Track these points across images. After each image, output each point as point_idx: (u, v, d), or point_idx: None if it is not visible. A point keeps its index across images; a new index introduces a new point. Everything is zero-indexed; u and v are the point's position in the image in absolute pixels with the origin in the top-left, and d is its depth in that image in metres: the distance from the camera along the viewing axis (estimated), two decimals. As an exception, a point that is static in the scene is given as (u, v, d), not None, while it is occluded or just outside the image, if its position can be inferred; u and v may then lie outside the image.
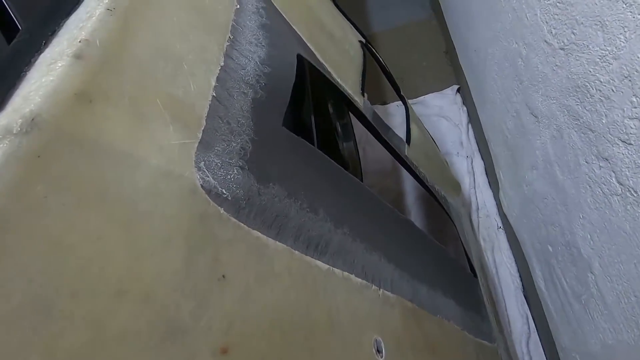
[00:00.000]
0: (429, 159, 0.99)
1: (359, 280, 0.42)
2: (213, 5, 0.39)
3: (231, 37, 0.40)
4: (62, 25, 0.26)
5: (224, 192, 0.30)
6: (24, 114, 0.20)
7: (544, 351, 0.93)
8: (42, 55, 0.24)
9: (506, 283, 1.07)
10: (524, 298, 1.02)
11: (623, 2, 0.39)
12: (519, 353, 0.98)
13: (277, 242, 0.33)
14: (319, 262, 0.37)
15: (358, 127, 1.59)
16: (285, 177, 0.37)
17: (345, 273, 0.40)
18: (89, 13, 0.26)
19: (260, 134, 0.36)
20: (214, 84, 0.34)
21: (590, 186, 0.53)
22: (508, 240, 1.10)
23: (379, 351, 0.39)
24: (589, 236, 0.56)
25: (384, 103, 1.50)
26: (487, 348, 0.75)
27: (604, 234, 0.52)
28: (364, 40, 0.85)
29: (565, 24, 0.52)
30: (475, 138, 1.32)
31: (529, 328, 0.99)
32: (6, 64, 0.23)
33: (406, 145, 0.87)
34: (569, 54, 0.52)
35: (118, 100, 0.25)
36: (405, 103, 0.97)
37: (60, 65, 0.23)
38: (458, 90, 1.45)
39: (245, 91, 0.37)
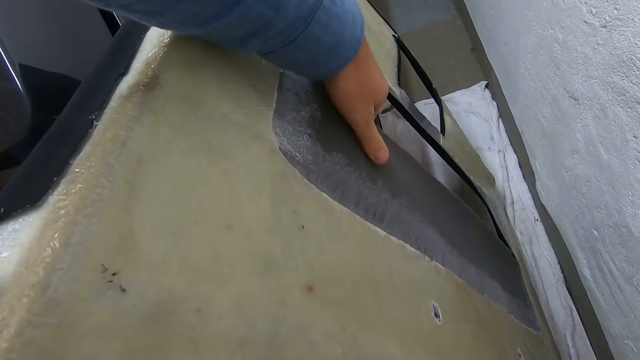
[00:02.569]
0: (463, 151, 0.99)
1: (413, 249, 0.44)
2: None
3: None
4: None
5: (297, 155, 0.33)
6: (148, 74, 0.24)
7: (591, 343, 0.90)
8: (148, 33, 0.28)
9: (546, 275, 1.05)
10: (566, 290, 1.00)
11: (669, -30, 0.39)
12: (563, 347, 0.95)
13: (341, 205, 0.36)
14: (377, 228, 0.39)
15: (385, 126, 1.60)
16: (347, 147, 0.39)
17: (401, 241, 0.42)
18: None
19: (326, 105, 0.38)
20: (280, 62, 0.37)
21: (639, 161, 0.53)
22: (546, 233, 1.08)
23: (436, 315, 0.41)
24: (639, 213, 0.56)
25: (412, 101, 1.52)
26: (533, 335, 0.74)
27: (656, 208, 0.51)
28: (396, 34, 0.88)
29: (607, 1, 0.52)
30: (507, 132, 1.31)
31: (573, 320, 0.96)
32: (123, 40, 0.27)
33: (441, 135, 0.89)
34: (612, 30, 0.53)
35: (209, 67, 0.28)
36: (437, 95, 0.98)
37: (167, 39, 0.27)
38: (486, 86, 1.44)
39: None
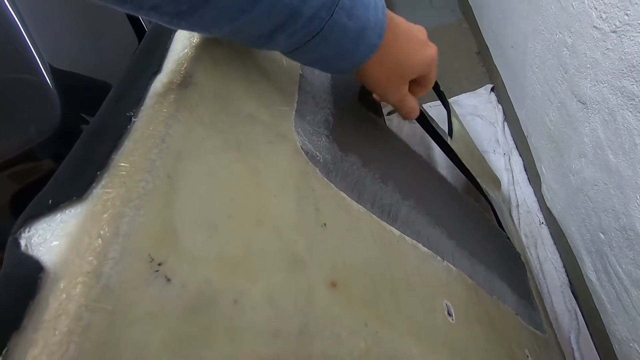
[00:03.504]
0: (470, 153, 1.00)
1: (426, 249, 0.44)
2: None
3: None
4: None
5: (317, 154, 0.33)
6: (181, 73, 0.24)
7: (595, 347, 0.90)
8: (178, 33, 0.29)
9: (552, 278, 1.05)
10: (571, 293, 1.00)
11: (682, -23, 0.40)
12: (568, 349, 0.95)
13: (359, 204, 0.36)
14: (392, 228, 0.40)
15: (391, 128, 1.61)
16: (361, 149, 0.40)
17: (414, 241, 0.43)
18: None
19: (339, 109, 0.39)
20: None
21: (648, 165, 0.53)
22: (552, 236, 1.09)
23: (449, 314, 0.41)
24: (648, 216, 0.56)
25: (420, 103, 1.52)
26: (539, 337, 0.75)
27: (665, 212, 0.52)
28: (405, 37, 0.88)
29: (617, 7, 0.53)
30: (512, 135, 1.32)
31: (578, 324, 0.96)
32: (153, 40, 0.28)
33: (449, 138, 0.89)
34: (622, 36, 0.53)
35: (236, 68, 0.29)
36: (444, 97, 0.99)
37: (196, 39, 0.27)
38: (492, 90, 1.45)
39: (324, 71, 0.41)
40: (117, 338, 0.15)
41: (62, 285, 0.15)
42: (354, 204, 0.36)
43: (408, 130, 1.47)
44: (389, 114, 1.54)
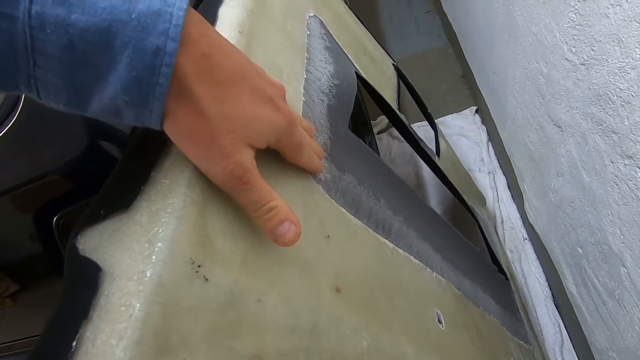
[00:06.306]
0: (456, 171, 1.05)
1: (417, 261, 0.48)
2: (293, 31, 0.48)
3: (307, 56, 0.48)
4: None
5: (319, 174, 0.37)
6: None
7: (578, 358, 0.94)
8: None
9: (536, 292, 1.09)
10: (554, 307, 1.04)
11: (636, 21, 0.46)
12: (553, 362, 0.99)
13: (356, 219, 0.40)
14: (386, 241, 0.43)
15: (381, 147, 1.66)
16: (355, 169, 0.44)
17: (406, 253, 0.46)
18: (226, 34, 0.35)
19: (334, 134, 0.43)
20: (302, 91, 0.42)
21: (617, 184, 0.59)
22: (535, 251, 1.14)
23: (440, 321, 0.45)
24: (618, 231, 0.61)
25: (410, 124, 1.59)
26: (525, 348, 0.78)
27: (633, 227, 0.57)
28: (395, 63, 0.95)
29: (584, 42, 0.59)
30: (496, 155, 1.38)
31: (561, 336, 1.00)
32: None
33: (436, 157, 0.94)
34: (590, 68, 0.59)
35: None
36: (432, 120, 1.04)
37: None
38: (477, 111, 1.53)
39: (322, 98, 0.45)
40: (168, 326, 0.18)
41: (120, 282, 0.18)
42: (352, 218, 0.39)
43: (397, 149, 1.52)
44: (378, 132, 1.60)
